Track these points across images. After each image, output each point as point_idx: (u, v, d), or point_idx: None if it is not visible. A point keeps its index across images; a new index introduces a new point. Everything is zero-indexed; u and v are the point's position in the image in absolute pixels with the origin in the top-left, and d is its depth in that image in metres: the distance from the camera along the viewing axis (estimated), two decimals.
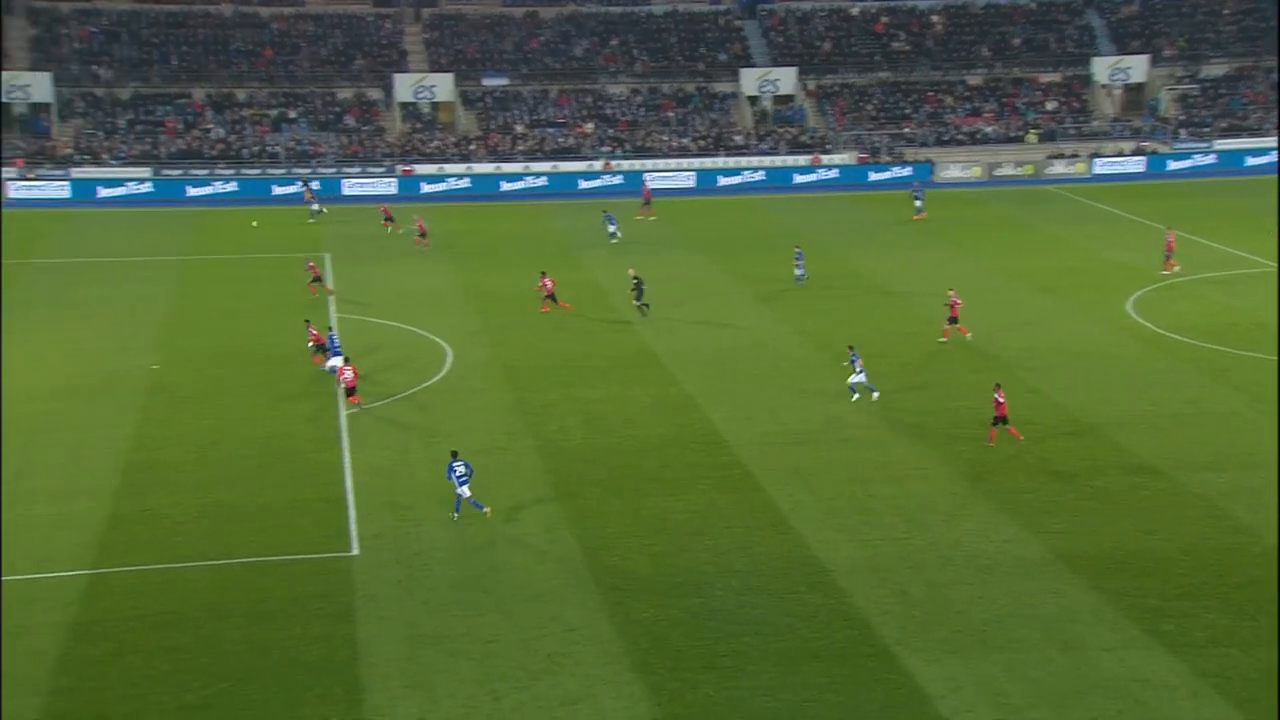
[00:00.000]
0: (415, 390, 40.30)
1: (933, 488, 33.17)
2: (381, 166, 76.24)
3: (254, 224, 64.92)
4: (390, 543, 30.00)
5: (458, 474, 31.02)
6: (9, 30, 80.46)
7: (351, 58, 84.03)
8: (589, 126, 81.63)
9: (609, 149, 79.88)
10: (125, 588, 27.69)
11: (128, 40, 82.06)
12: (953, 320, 44.98)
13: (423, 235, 59.84)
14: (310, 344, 42.30)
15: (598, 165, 78.30)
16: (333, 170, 75.47)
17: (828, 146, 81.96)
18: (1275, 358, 42.28)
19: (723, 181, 78.46)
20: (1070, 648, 25.59)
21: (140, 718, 23.14)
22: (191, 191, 73.08)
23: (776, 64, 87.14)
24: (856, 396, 39.24)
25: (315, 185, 71.19)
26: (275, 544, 29.87)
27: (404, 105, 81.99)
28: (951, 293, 45.46)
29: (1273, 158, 79.89)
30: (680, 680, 24.53)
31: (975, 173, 79.92)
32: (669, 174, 77.91)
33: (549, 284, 48.93)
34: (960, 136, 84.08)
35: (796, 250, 54.21)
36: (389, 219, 63.62)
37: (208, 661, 24.86)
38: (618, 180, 76.45)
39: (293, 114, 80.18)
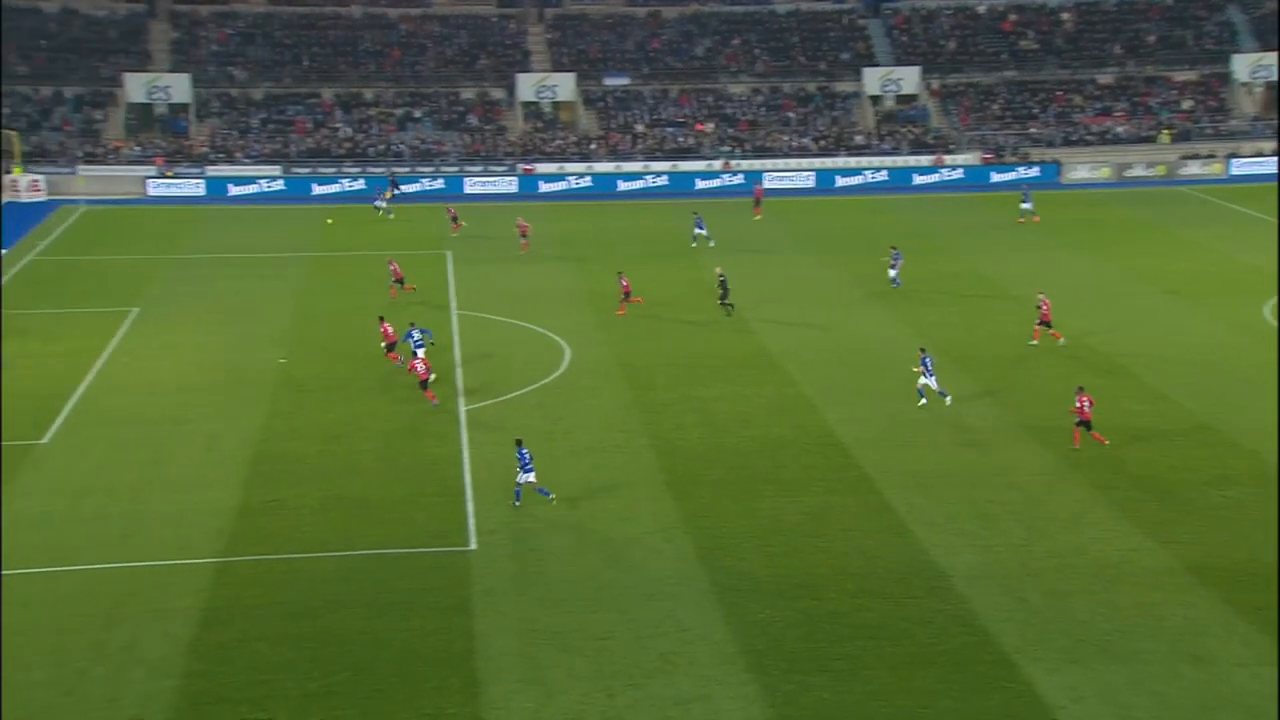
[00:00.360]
0: (533, 388, 40.72)
1: (1053, 494, 32.54)
2: (503, 165, 77.16)
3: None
4: (507, 538, 30.36)
5: (525, 461, 31.67)
6: (154, 33, 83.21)
7: (476, 58, 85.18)
8: (709, 126, 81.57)
9: (729, 148, 79.77)
10: (252, 576, 28.45)
11: (262, 42, 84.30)
12: (1044, 324, 44.22)
13: (524, 236, 59.24)
14: (383, 343, 42.66)
15: (717, 165, 78.24)
16: (455, 169, 76.57)
17: (951, 146, 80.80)
18: None
19: (842, 182, 77.81)
20: (1200, 661, 24.89)
21: (266, 703, 23.76)
22: (318, 189, 74.73)
23: (900, 63, 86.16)
24: (924, 401, 38.71)
25: (387, 194, 71.62)
26: (395, 536, 30.42)
27: (526, 105, 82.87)
28: (1041, 295, 44.77)
29: None
30: (794, 683, 24.43)
31: (1104, 173, 78.08)
32: (788, 174, 77.57)
33: (626, 284, 48.45)
34: (1089, 137, 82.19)
35: (893, 251, 53.16)
36: (455, 219, 62.97)
37: (330, 651, 25.42)
38: (738, 180, 76.28)
39: (418, 113, 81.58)
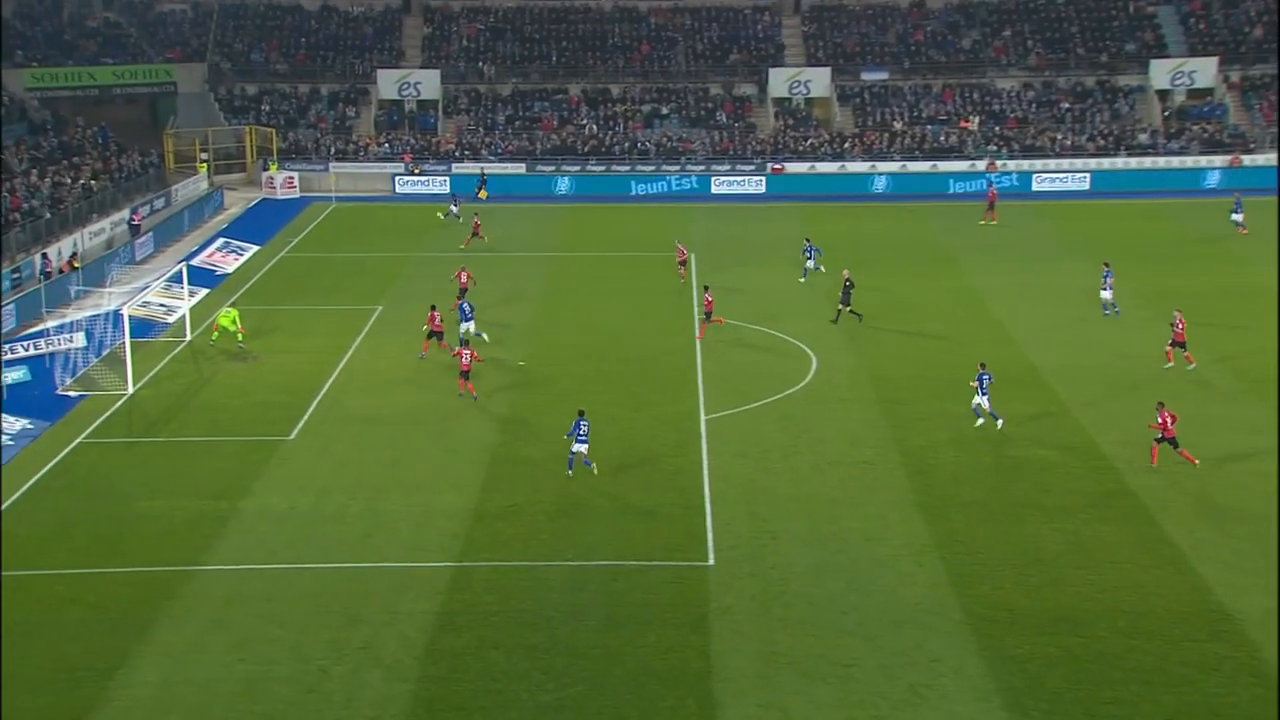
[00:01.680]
0: (778, 397, 40.60)
1: None
2: (751, 164, 77.27)
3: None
4: (747, 554, 30.34)
5: (581, 432, 34.09)
6: (407, 29, 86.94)
7: (727, 52, 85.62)
8: (974, 122, 79.69)
9: (994, 148, 77.77)
10: (487, 582, 29.25)
11: (511, 37, 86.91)
12: (1177, 344, 42.25)
13: (682, 264, 54.87)
14: (425, 327, 44.26)
15: (980, 165, 76.42)
16: (701, 168, 77.13)
17: (1251, 146, 76.60)
18: None
19: (1122, 184, 74.88)
20: None
21: (499, 712, 24.36)
22: (562, 188, 76.33)
23: (1193, 53, 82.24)
24: (981, 421, 37.24)
25: (480, 191, 72.95)
26: (632, 548, 30.78)
27: (778, 101, 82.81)
28: (1178, 313, 42.58)
29: None
30: None
31: None
32: (1060, 175, 75.20)
33: (710, 301, 46.53)
34: None
35: (1105, 268, 49.64)
36: (476, 231, 61.22)
37: (564, 663, 25.89)
38: (1005, 182, 74.26)
39: (665, 109, 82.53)
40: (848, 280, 48.42)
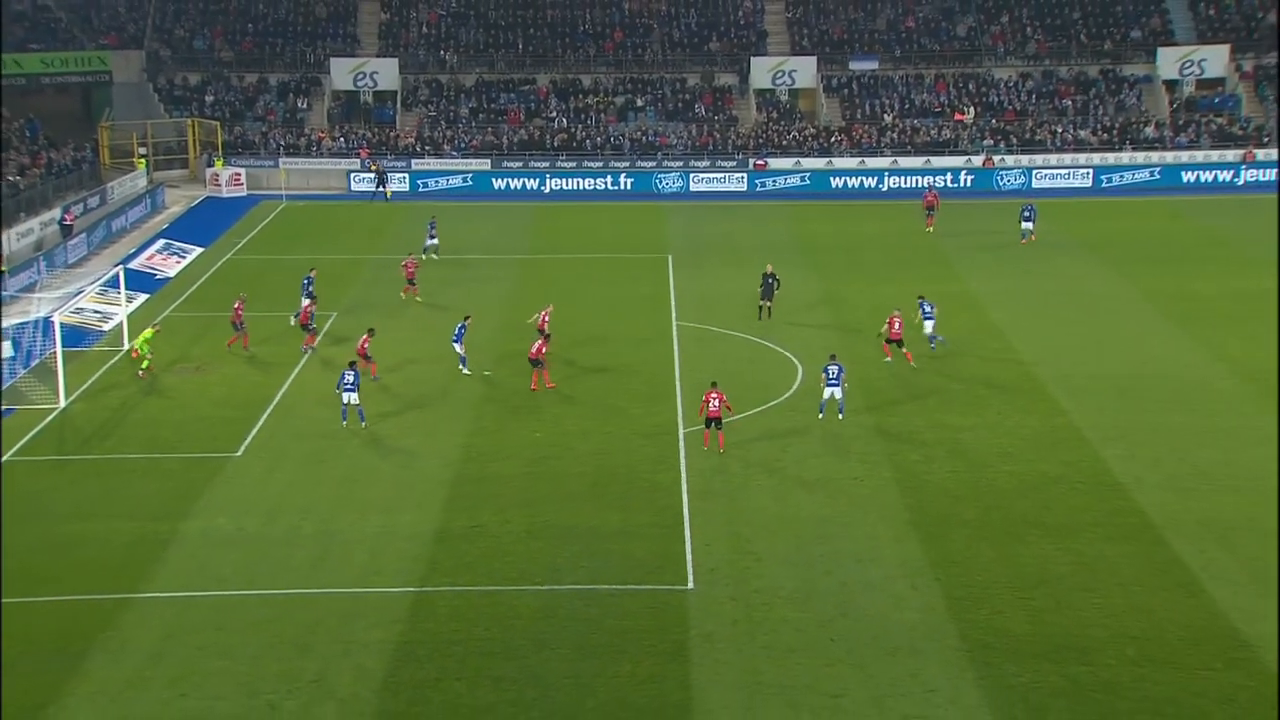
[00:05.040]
0: (762, 409, 40.68)
1: None
2: (733, 160, 77.46)
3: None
4: (728, 577, 30.38)
5: (346, 382, 38.59)
6: (363, 15, 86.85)
7: (706, 40, 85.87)
8: (969, 115, 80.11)
9: (991, 142, 78.20)
10: (450, 609, 29.19)
11: (475, 23, 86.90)
12: (892, 341, 43.75)
13: (410, 283, 53.15)
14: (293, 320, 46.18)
15: (977, 160, 76.84)
16: (679, 164, 77.28)
17: (1265, 139, 77.23)
18: None
19: (1127, 179, 75.54)
20: None
21: None
22: (529, 185, 76.32)
23: (1203, 41, 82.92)
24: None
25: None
26: (605, 571, 30.79)
27: (760, 92, 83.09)
28: (896, 314, 44.01)
29: None
30: None
31: None
32: (1061, 171, 75.75)
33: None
34: None
35: (920, 301, 46.20)
36: (412, 280, 53.26)
37: (532, 695, 25.86)
38: (1006, 179, 74.70)
39: (640, 101, 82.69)
40: (769, 275, 49.52)
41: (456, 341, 44.26)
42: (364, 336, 43.64)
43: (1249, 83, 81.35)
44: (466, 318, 45.35)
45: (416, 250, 58.16)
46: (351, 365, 40.08)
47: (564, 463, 37.02)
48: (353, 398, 39.32)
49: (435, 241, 59.71)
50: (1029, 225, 61.51)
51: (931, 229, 64.09)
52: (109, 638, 27.94)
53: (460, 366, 44.11)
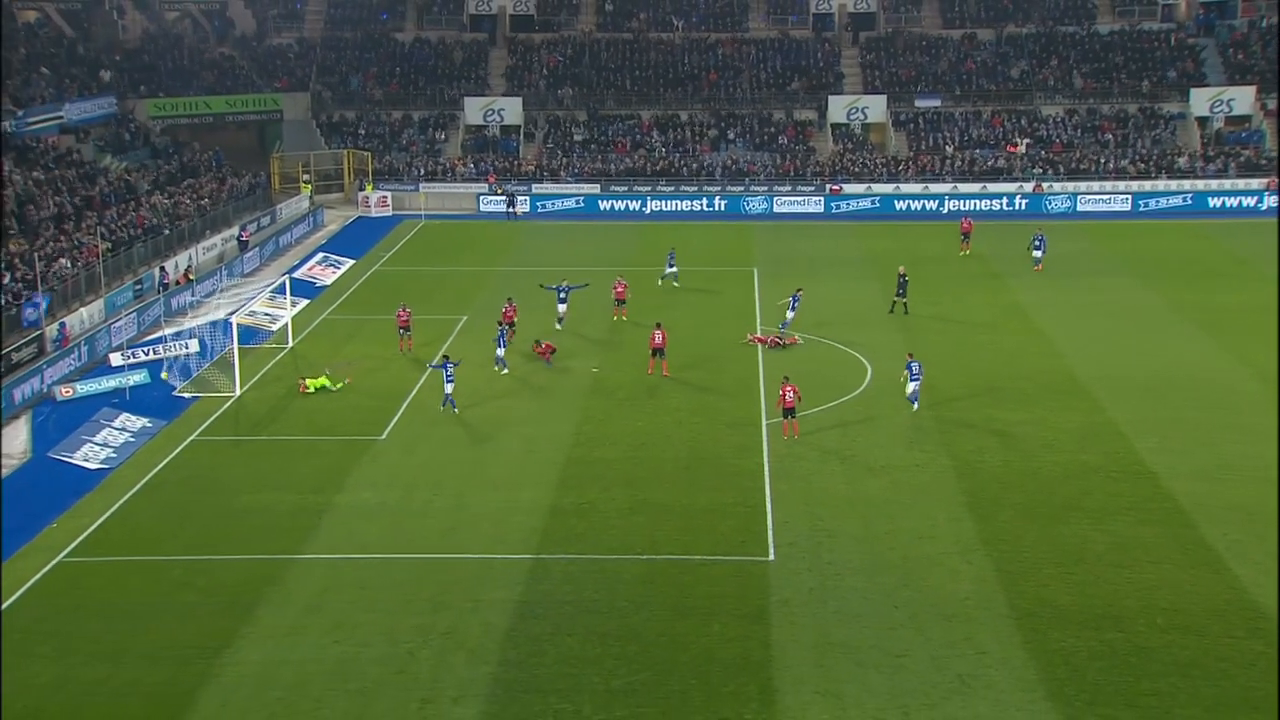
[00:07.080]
0: (836, 403, 40.37)
1: None
2: (811, 185, 76.92)
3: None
4: (804, 551, 30.19)
5: (449, 373, 39.06)
6: (493, 60, 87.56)
7: (789, 80, 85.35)
8: (1021, 146, 78.80)
9: (1040, 170, 76.86)
10: (563, 573, 29.32)
11: (587, 66, 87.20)
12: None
13: (620, 303, 50.34)
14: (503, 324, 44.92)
15: (1028, 187, 75.59)
16: (764, 188, 76.90)
17: None
18: None
19: (1162, 204, 73.79)
20: None
21: (573, 695, 24.42)
22: (632, 206, 76.44)
23: (1232, 82, 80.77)
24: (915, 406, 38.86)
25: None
26: (697, 543, 30.73)
27: (836, 126, 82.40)
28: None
29: None
30: (1099, 715, 23.27)
31: None
32: (1103, 196, 74.29)
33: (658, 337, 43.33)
34: None
35: (796, 293, 48.06)
36: (406, 327, 46.84)
37: (633, 650, 25.89)
38: (1054, 203, 73.33)
39: (731, 134, 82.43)
40: (903, 275, 49.19)
41: (499, 344, 43.95)
42: (506, 307, 44.49)
43: (1273, 119, 79.07)
44: (511, 326, 45.46)
45: (656, 275, 56.25)
46: (499, 344, 43.04)
47: (661, 448, 37.01)
48: (449, 388, 39.77)
49: (675, 269, 56.48)
50: (1039, 254, 58.32)
51: (968, 252, 62.40)
52: (274, 591, 28.49)
53: (496, 367, 43.78)
